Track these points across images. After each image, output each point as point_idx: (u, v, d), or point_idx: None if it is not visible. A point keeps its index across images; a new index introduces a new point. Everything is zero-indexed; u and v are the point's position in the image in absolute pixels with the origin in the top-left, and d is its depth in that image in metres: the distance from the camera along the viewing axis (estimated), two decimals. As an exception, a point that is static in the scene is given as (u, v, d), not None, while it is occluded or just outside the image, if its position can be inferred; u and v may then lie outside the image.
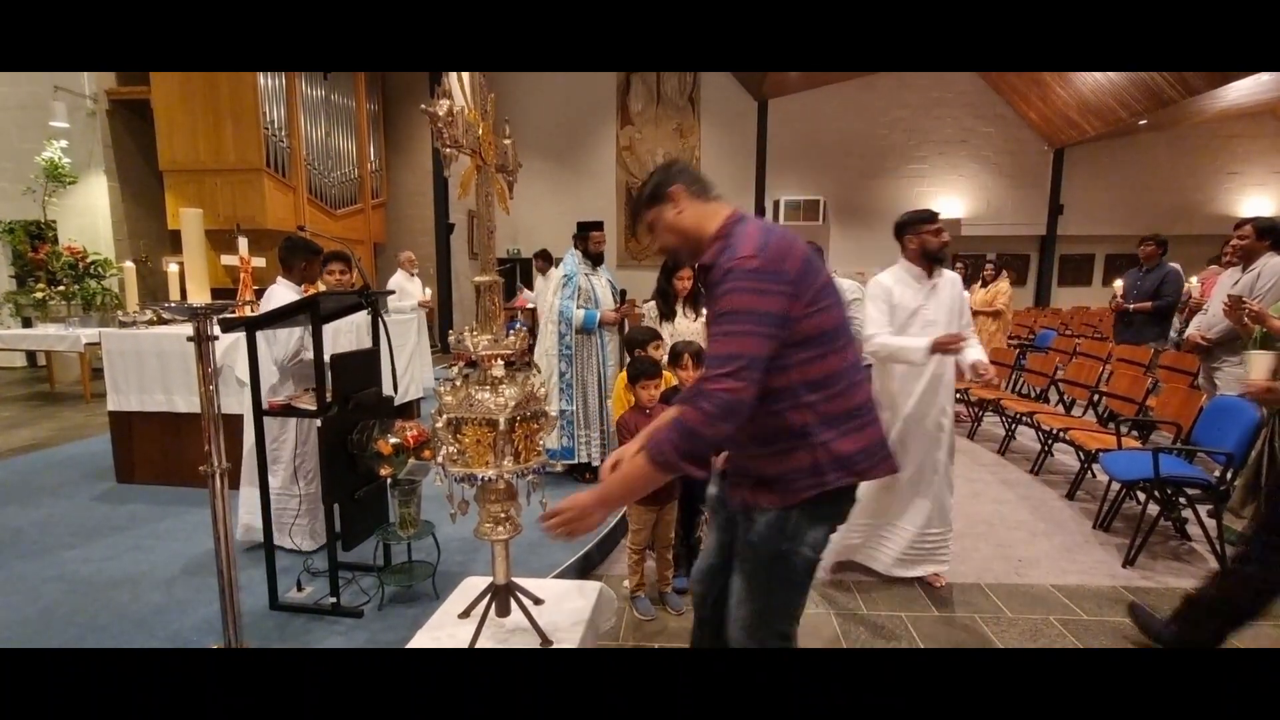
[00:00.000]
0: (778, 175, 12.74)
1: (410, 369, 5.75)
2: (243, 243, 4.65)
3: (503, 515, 1.70)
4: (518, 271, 11.83)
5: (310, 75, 8.62)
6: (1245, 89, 9.15)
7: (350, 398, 2.55)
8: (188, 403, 3.90)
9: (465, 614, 1.86)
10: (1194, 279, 6.22)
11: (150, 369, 3.97)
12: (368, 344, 2.86)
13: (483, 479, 1.57)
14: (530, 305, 7.88)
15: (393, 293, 4.63)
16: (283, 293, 2.94)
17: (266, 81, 7.74)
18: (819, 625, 2.74)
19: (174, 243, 8.51)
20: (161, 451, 3.94)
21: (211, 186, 7.77)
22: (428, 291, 6.88)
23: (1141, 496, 3.58)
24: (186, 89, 7.59)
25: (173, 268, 4.26)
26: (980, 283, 6.79)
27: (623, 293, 4.45)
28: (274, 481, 2.83)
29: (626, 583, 2.92)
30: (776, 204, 12.64)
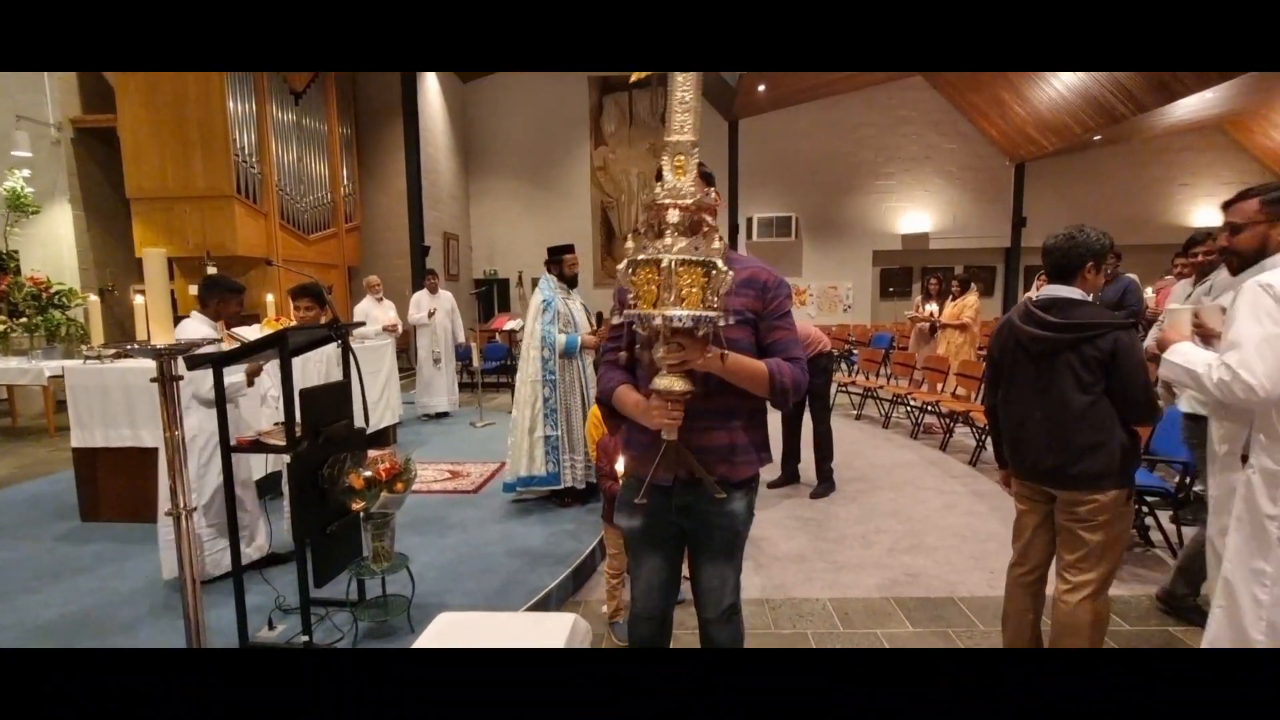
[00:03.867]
0: (750, 193, 12.94)
1: (385, 395, 5.70)
2: (211, 268, 4.59)
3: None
4: (494, 292, 11.81)
5: (281, 99, 8.59)
6: (1192, 105, 9.54)
7: (320, 431, 2.53)
8: (155, 437, 3.82)
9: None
10: (1149, 290, 6.42)
11: (116, 403, 3.90)
12: (337, 375, 2.85)
13: (647, 317, 1.47)
14: (509, 327, 7.87)
15: (362, 324, 4.59)
16: (195, 326, 3.07)
17: (236, 106, 7.69)
18: (796, 644, 2.76)
19: (142, 271, 8.36)
20: (128, 488, 3.85)
21: (180, 214, 7.66)
22: (392, 314, 6.82)
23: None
24: (154, 116, 7.51)
25: (139, 299, 4.17)
26: (949, 298, 6.96)
27: (598, 315, 4.49)
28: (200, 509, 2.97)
29: (605, 608, 2.92)
30: (750, 221, 12.82)
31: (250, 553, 3.16)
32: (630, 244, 1.54)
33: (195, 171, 7.58)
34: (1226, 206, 2.10)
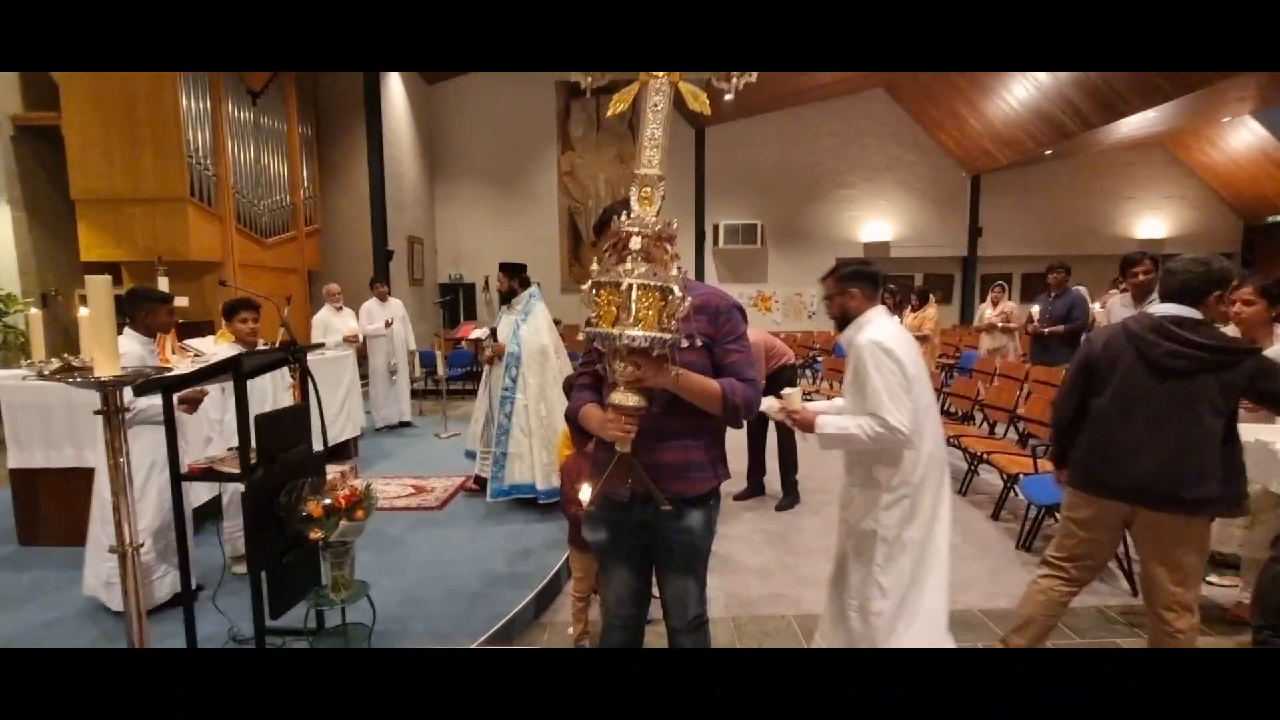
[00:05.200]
0: (716, 200, 13.05)
1: (345, 407, 5.58)
2: (163, 282, 4.40)
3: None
4: (461, 298, 11.62)
5: (238, 97, 8.32)
6: (1135, 123, 9.98)
7: (277, 458, 2.46)
8: (101, 457, 3.66)
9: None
10: (1097, 305, 6.69)
11: (58, 421, 3.72)
12: (285, 398, 2.79)
13: (606, 336, 1.55)
14: (475, 335, 7.76)
15: (321, 345, 4.48)
16: (128, 345, 2.88)
17: (190, 104, 7.42)
18: (761, 664, 2.79)
19: (88, 275, 8.01)
20: (71, 510, 3.67)
21: (130, 217, 7.36)
22: (352, 324, 6.66)
23: (1059, 517, 3.81)
24: (101, 114, 7.19)
25: (84, 311, 3.98)
26: (908, 309, 7.13)
27: (492, 331, 4.53)
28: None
29: (571, 630, 2.91)
30: (716, 228, 12.93)
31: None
32: (595, 266, 1.60)
33: (146, 172, 7.29)
34: (823, 280, 2.43)
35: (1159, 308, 2.14)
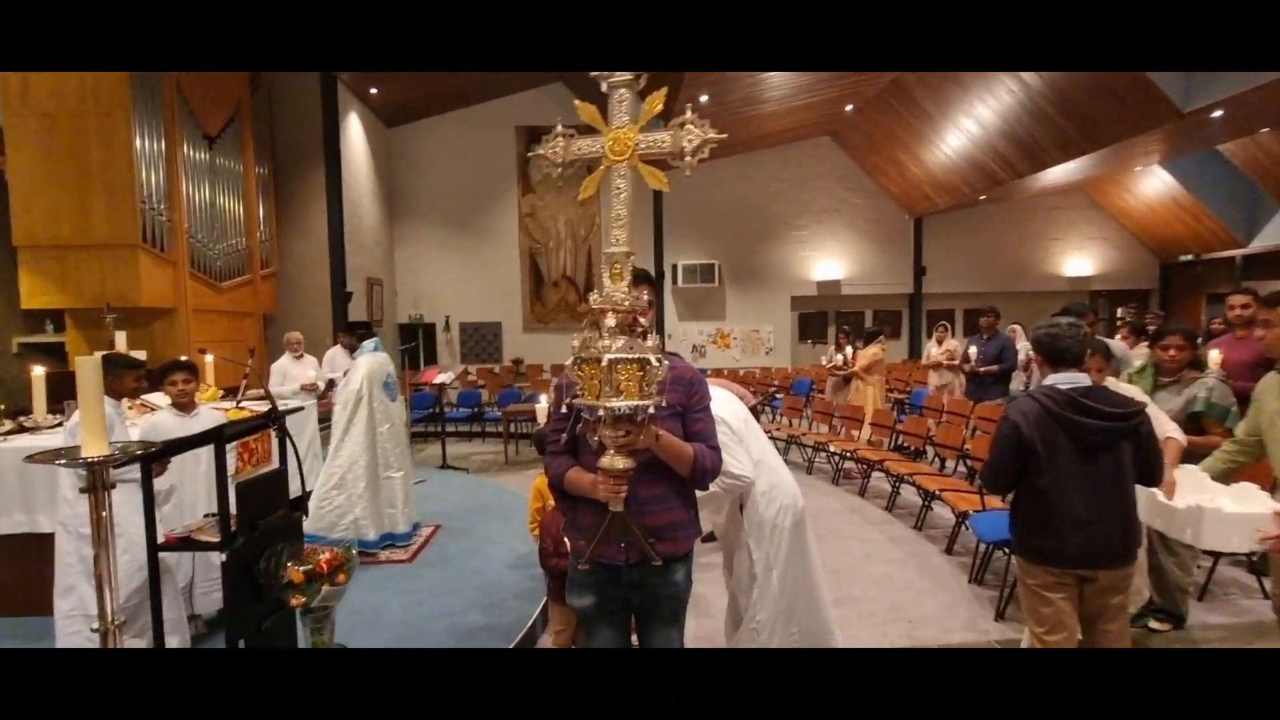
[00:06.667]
0: (674, 241, 13.41)
1: (308, 457, 5.49)
2: (121, 337, 4.29)
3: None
4: (420, 343, 11.47)
5: (193, 139, 8.22)
6: (1058, 172, 10.80)
7: (257, 524, 2.47)
8: (53, 521, 3.53)
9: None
10: (1022, 344, 7.13)
11: (8, 486, 3.58)
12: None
13: (592, 407, 1.67)
14: (440, 380, 7.75)
15: (300, 409, 4.48)
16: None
17: (144, 145, 7.28)
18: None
19: (28, 323, 7.70)
20: (21, 579, 3.52)
21: (76, 263, 7.13)
22: (311, 373, 6.51)
23: (1008, 550, 4.05)
24: (49, 156, 6.99)
25: (38, 370, 3.88)
26: (853, 348, 7.55)
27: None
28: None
29: (549, 685, 2.94)
30: (675, 267, 13.26)
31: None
32: (576, 342, 1.73)
33: (96, 218, 7.10)
34: None
35: (1060, 379, 2.26)
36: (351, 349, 7.14)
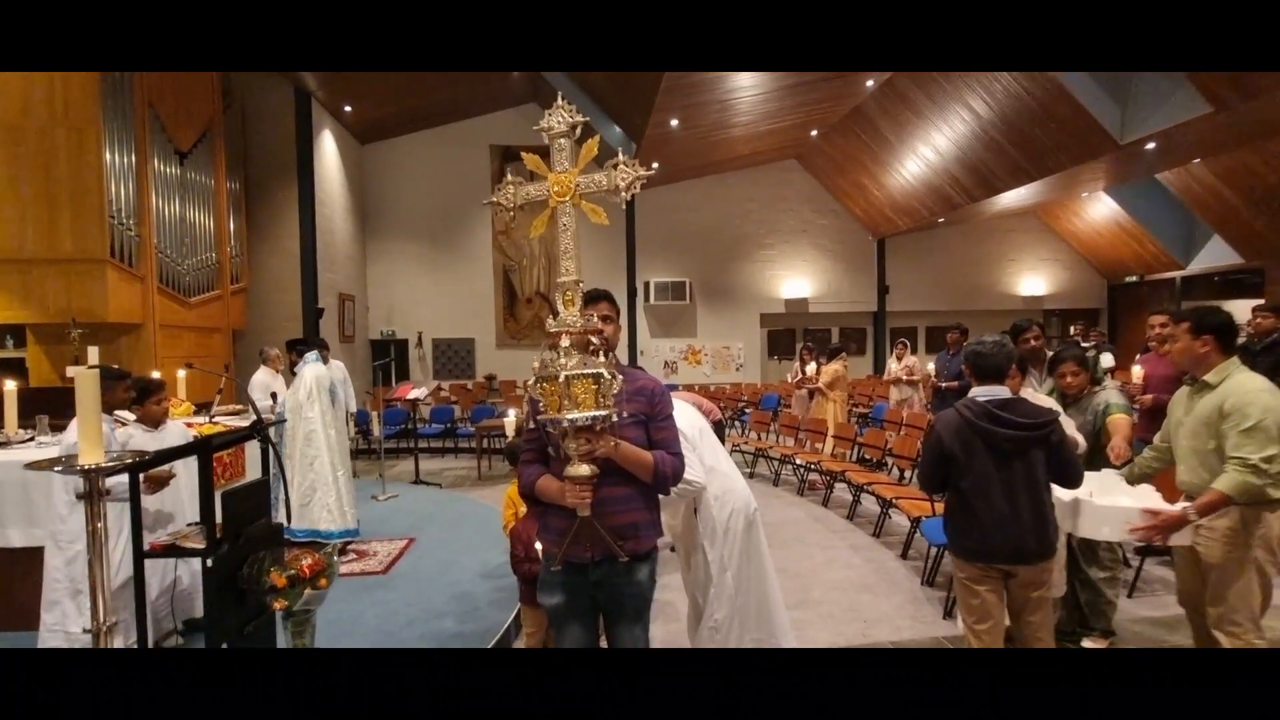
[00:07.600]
0: (646, 259, 13.68)
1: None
2: (93, 352, 4.33)
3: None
4: (393, 356, 11.47)
5: (164, 154, 8.21)
6: (1011, 197, 11.39)
7: (241, 532, 2.57)
8: (26, 536, 3.55)
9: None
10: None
11: (-22, 500, 3.59)
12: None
13: (555, 420, 1.86)
14: (413, 396, 7.80)
15: (284, 420, 4.57)
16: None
17: (114, 159, 7.27)
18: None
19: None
20: (3, 593, 3.53)
21: (40, 277, 7.04)
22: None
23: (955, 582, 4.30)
24: (13, 169, 6.91)
25: (10, 385, 3.89)
26: (821, 364, 7.83)
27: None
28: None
29: (522, 686, 3.06)
30: (647, 285, 13.51)
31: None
32: (536, 363, 1.93)
33: (62, 233, 7.04)
34: None
35: (980, 392, 2.51)
36: (293, 364, 7.22)
